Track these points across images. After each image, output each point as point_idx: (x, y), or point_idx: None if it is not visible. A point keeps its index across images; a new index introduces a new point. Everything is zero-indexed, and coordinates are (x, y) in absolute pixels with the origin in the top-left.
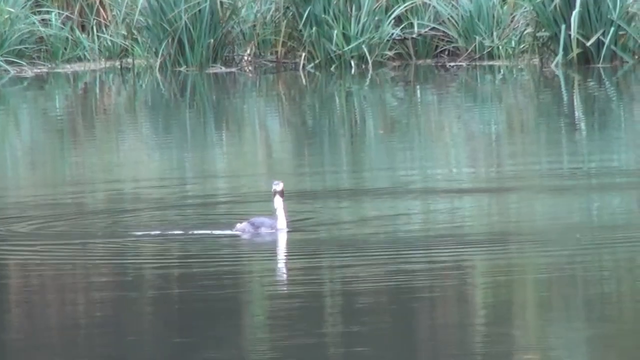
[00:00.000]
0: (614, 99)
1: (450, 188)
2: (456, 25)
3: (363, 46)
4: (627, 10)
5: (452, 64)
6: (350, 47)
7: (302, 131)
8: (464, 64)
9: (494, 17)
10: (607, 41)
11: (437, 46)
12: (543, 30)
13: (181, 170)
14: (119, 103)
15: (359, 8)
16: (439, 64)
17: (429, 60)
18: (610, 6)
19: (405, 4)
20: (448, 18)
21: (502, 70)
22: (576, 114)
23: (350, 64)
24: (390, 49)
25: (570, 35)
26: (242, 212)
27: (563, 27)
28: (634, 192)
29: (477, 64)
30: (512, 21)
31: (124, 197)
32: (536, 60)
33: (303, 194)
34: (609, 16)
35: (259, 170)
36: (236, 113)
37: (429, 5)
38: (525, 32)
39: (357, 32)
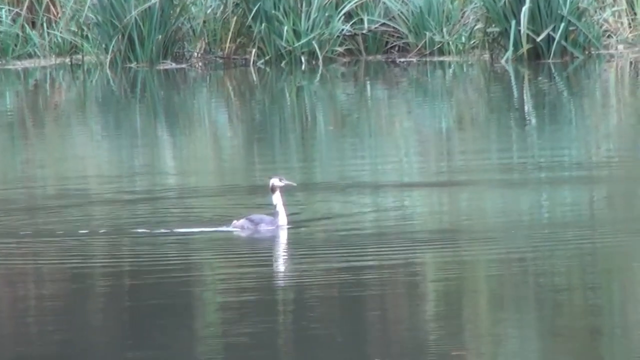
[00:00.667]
0: (564, 94)
1: (401, 183)
2: (406, 21)
3: (313, 42)
4: (578, 6)
5: (402, 59)
6: (300, 43)
7: (252, 127)
8: (414, 59)
9: (444, 12)
10: (557, 37)
11: (387, 42)
12: (493, 25)
13: (131, 167)
14: (70, 99)
15: (309, 4)
16: (389, 59)
17: (379, 56)
18: (561, 2)
19: (356, 0)
20: (398, 14)
21: (452, 66)
22: (526, 109)
23: (301, 59)
24: (340, 45)
25: (520, 31)
26: (195, 207)
27: (513, 22)
28: (583, 187)
29: (428, 59)
30: (462, 17)
31: (75, 193)
32: (486, 56)
33: (254, 189)
34: (559, 12)
35: (209, 166)
36: (186, 109)
37: (379, 1)
38: (476, 27)
39: (308, 28)
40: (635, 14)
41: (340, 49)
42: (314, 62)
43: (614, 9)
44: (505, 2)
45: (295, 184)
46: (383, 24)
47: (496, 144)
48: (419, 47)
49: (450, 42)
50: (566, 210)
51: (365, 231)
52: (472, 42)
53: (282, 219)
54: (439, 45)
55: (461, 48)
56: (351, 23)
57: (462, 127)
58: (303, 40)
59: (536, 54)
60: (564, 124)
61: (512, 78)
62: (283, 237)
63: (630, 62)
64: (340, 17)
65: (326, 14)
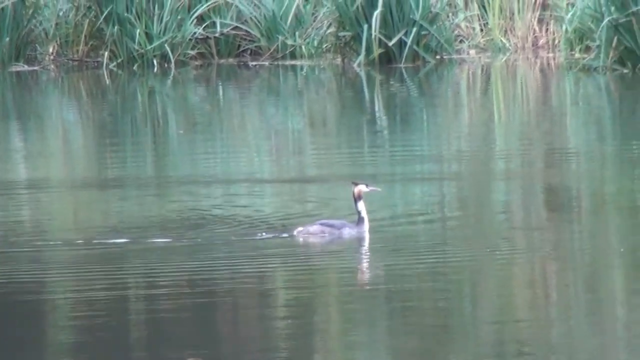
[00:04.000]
0: (414, 97)
1: (251, 182)
2: (258, 24)
3: (165, 45)
4: (430, 11)
5: (254, 63)
6: (152, 46)
7: (102, 129)
8: (266, 63)
9: (296, 16)
10: (409, 41)
11: (239, 45)
12: (345, 29)
13: None
14: None
15: (162, 7)
16: (242, 63)
17: (231, 60)
18: (413, 6)
19: (208, 3)
20: (250, 17)
21: (304, 70)
22: (376, 111)
23: (153, 62)
24: (192, 48)
25: (372, 35)
26: (45, 204)
27: (365, 26)
28: (435, 182)
29: (280, 63)
30: (314, 21)
31: None
32: (338, 60)
33: (104, 184)
34: (411, 16)
35: (58, 168)
36: (38, 111)
37: (232, 4)
38: (328, 31)
39: (160, 31)
40: (487, 19)
41: (192, 52)
42: (166, 65)
43: (466, 14)
44: (357, 6)
45: (380, 190)
46: (235, 28)
47: (346, 145)
48: (271, 50)
49: (303, 46)
50: (417, 207)
51: (213, 233)
52: (324, 46)
53: (367, 225)
54: (291, 49)
55: (313, 52)
56: (203, 26)
57: (313, 128)
58: (155, 43)
59: (388, 59)
60: (413, 126)
61: (364, 81)
62: (364, 242)
63: (482, 67)
64: (193, 20)
65: (178, 17)
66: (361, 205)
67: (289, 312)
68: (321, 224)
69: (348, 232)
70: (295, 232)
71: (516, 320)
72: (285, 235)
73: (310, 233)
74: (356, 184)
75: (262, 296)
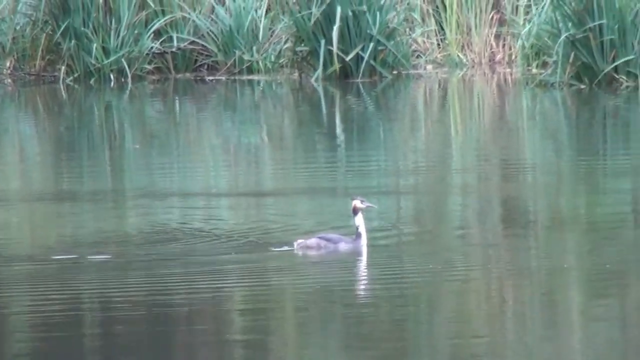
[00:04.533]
0: (371, 112)
1: (208, 196)
2: (216, 39)
3: (122, 60)
4: (387, 26)
5: (211, 77)
6: (109, 60)
7: (59, 144)
8: (223, 77)
9: (253, 31)
10: (366, 56)
11: (196, 60)
12: (303, 44)
13: None
14: None
15: (119, 21)
16: (198, 77)
17: (188, 74)
18: (370, 21)
19: (165, 18)
20: (207, 32)
21: (261, 84)
22: (333, 126)
23: (110, 77)
24: (149, 63)
25: (330, 50)
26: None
27: (323, 41)
28: (392, 196)
29: (237, 78)
30: (272, 35)
31: None
32: (296, 75)
33: (61, 199)
34: (368, 31)
35: (14, 182)
36: None
37: (189, 19)
38: (285, 46)
39: (117, 46)
40: (444, 34)
41: (149, 67)
42: (123, 80)
43: (423, 29)
44: (315, 22)
45: (376, 207)
46: (192, 42)
47: (303, 160)
48: (228, 65)
49: (260, 61)
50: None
51: (168, 248)
52: (282, 60)
53: (364, 240)
54: (248, 64)
55: (270, 67)
56: (160, 41)
57: (270, 142)
58: (112, 58)
59: (345, 74)
60: (369, 140)
61: (321, 97)
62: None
63: (439, 82)
64: (150, 35)
65: (135, 32)
66: (358, 220)
67: (247, 332)
68: (319, 238)
69: (344, 246)
70: (295, 245)
71: (473, 336)
72: (268, 250)
73: (307, 246)
74: (353, 199)
75: (219, 315)
